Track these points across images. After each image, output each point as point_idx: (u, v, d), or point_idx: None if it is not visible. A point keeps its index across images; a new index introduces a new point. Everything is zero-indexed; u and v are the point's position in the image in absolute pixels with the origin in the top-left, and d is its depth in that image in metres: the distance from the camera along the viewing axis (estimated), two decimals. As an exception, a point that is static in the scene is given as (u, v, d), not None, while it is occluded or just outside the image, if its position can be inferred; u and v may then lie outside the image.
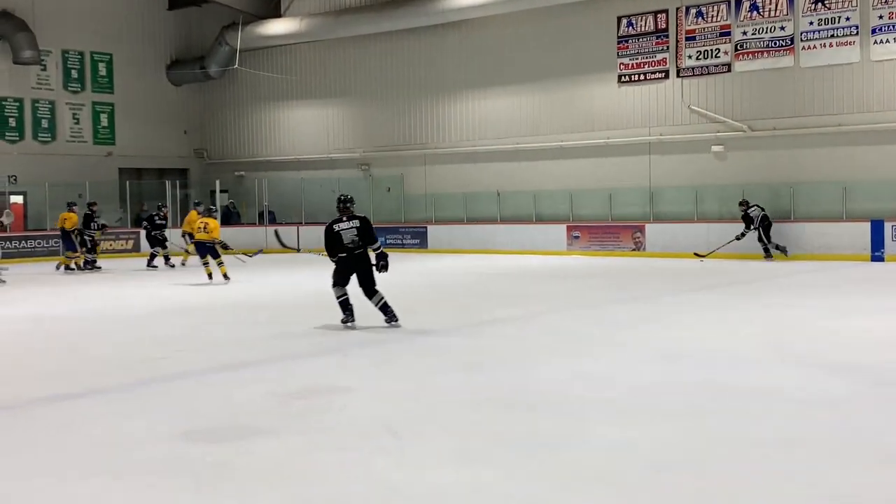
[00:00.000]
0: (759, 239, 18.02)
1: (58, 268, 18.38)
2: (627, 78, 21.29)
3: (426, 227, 23.70)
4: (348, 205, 9.34)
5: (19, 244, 22.13)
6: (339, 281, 9.37)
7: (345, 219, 9.31)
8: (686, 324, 9.67)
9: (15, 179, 24.38)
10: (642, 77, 21.07)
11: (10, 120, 25.07)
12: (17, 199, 24.86)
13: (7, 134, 24.99)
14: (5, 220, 21.36)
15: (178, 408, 6.11)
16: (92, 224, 18.56)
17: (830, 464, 4.56)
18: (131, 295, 14.04)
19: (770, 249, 17.97)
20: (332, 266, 9.50)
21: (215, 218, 16.11)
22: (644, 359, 7.59)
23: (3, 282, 15.73)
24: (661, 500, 4.10)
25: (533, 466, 4.61)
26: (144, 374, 7.39)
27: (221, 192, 25.95)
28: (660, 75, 20.82)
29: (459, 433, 5.32)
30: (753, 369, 7.09)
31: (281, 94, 27.43)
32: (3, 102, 24.89)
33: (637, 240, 20.11)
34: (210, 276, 15.20)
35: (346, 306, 9.39)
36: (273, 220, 25.96)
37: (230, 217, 25.71)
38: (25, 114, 25.38)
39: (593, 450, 4.90)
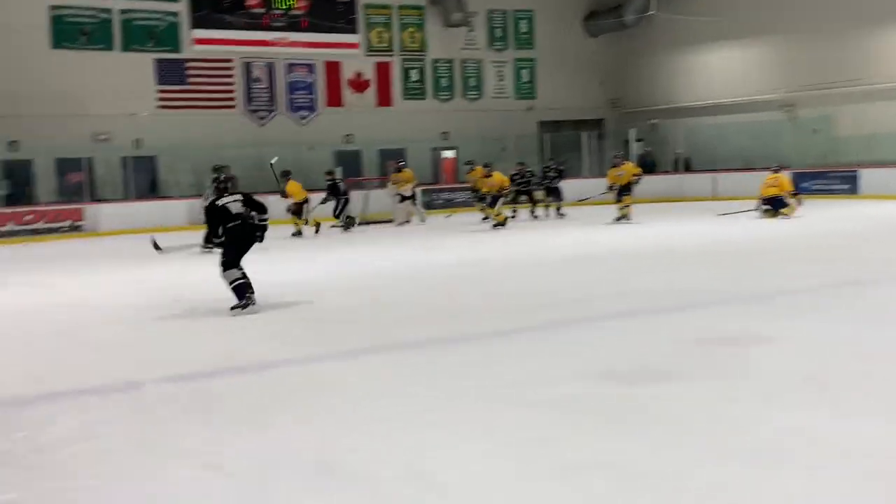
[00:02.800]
0: None
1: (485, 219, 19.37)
2: None
3: (856, 171, 21.73)
4: (227, 184, 8.71)
5: (453, 195, 24.03)
6: (233, 259, 8.39)
7: (225, 195, 8.60)
8: None
9: (447, 135, 26.49)
10: None
11: (443, 80, 27.25)
12: (449, 154, 27.05)
13: (440, 93, 27.21)
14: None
15: (594, 349, 6.28)
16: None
17: None
18: (554, 240, 14.66)
19: None
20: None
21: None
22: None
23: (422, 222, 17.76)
24: None
25: None
26: (566, 314, 7.72)
27: (637, 140, 26.02)
28: None
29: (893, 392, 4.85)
30: None
31: (697, 38, 26.63)
32: (437, 64, 27.09)
33: None
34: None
35: (245, 288, 8.35)
36: (687, 168, 25.48)
37: (645, 166, 25.71)
38: (455, 74, 27.40)
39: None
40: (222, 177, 9.06)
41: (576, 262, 11.64)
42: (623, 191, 17.19)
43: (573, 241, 14.49)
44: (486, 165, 18.11)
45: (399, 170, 20.20)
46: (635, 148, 25.40)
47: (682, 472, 3.79)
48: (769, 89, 24.70)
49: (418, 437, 4.44)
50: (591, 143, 26.79)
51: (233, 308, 8.22)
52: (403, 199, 19.91)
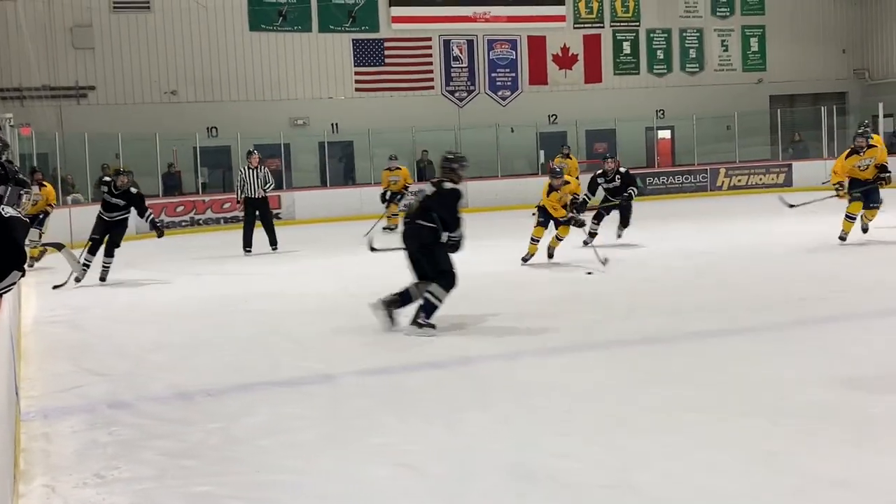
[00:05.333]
0: None
1: None
2: None
3: None
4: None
5: (667, 180, 23.47)
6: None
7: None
8: None
9: (663, 114, 25.85)
10: None
11: (659, 52, 26.60)
12: (665, 134, 26.40)
13: (655, 67, 26.58)
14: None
15: (833, 351, 5.94)
16: None
17: None
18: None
19: None
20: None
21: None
22: None
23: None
24: None
25: None
26: (799, 314, 7.36)
27: (886, 116, 24.38)
28: None
29: None
30: None
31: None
32: (652, 34, 26.48)
33: None
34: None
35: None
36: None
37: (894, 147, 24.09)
38: (672, 45, 26.69)
39: None
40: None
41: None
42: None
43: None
44: (392, 158, 17.95)
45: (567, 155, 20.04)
46: (882, 125, 23.80)
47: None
48: None
49: (633, 444, 4.33)
50: (831, 119, 25.35)
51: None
52: None
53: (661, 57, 26.62)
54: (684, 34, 26.71)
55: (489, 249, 13.01)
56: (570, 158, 19.88)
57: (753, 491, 3.68)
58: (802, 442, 4.23)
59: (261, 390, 5.82)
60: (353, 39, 24.07)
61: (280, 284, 10.92)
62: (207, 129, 22.18)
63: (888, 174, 11.02)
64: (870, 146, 10.95)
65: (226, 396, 5.71)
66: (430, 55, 24.79)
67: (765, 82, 27.05)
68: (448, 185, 7.53)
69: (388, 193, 17.54)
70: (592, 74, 26.00)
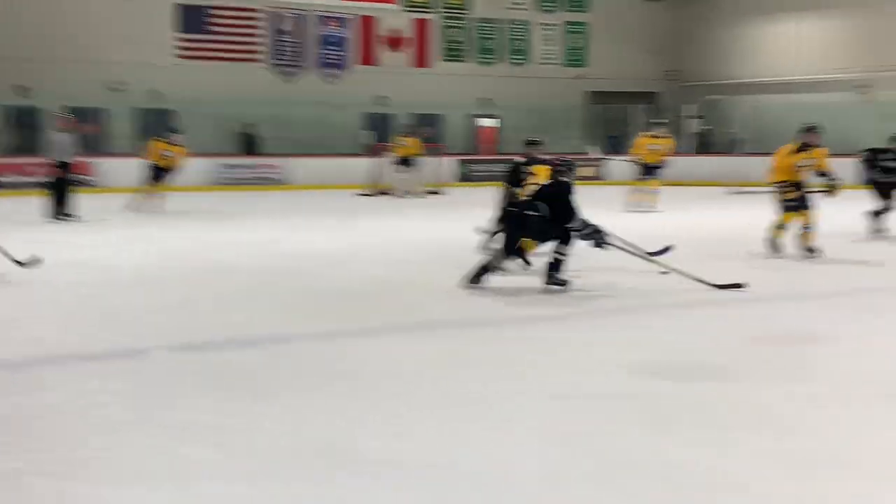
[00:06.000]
0: None
1: None
2: None
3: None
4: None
5: (491, 167, 23.89)
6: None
7: None
8: None
9: (488, 102, 26.32)
10: None
11: (486, 42, 27.03)
12: (489, 122, 26.92)
13: (483, 56, 26.99)
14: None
15: (637, 337, 6.26)
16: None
17: None
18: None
19: None
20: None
21: None
22: None
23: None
24: None
25: None
26: (607, 301, 7.69)
27: (697, 117, 25.69)
28: None
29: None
30: None
31: (764, 7, 26.27)
32: (480, 24, 26.86)
33: None
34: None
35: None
36: (742, 150, 25.08)
37: (703, 146, 25.45)
38: (500, 35, 27.13)
39: None
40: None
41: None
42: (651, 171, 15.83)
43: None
44: (172, 131, 16.62)
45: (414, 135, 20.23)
46: (692, 126, 25.09)
47: (731, 477, 3.76)
48: (841, 67, 24.30)
49: (450, 426, 4.42)
50: (641, 117, 26.46)
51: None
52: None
53: (489, 46, 27.10)
54: (511, 26, 27.26)
55: (312, 229, 12.92)
56: (412, 137, 19.95)
57: (555, 470, 3.83)
58: (603, 425, 4.42)
59: (69, 365, 5.60)
60: (174, 4, 23.29)
61: (87, 254, 10.42)
62: (14, 87, 20.99)
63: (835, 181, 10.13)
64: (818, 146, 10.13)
65: (31, 371, 5.46)
66: (257, 27, 24.30)
67: (584, 78, 27.97)
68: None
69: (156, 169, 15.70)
70: (421, 58, 26.20)
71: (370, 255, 10.47)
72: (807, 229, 9.76)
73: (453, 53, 26.62)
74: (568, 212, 7.92)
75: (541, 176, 8.22)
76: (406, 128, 20.56)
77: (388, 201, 18.34)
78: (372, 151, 22.38)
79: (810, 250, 9.71)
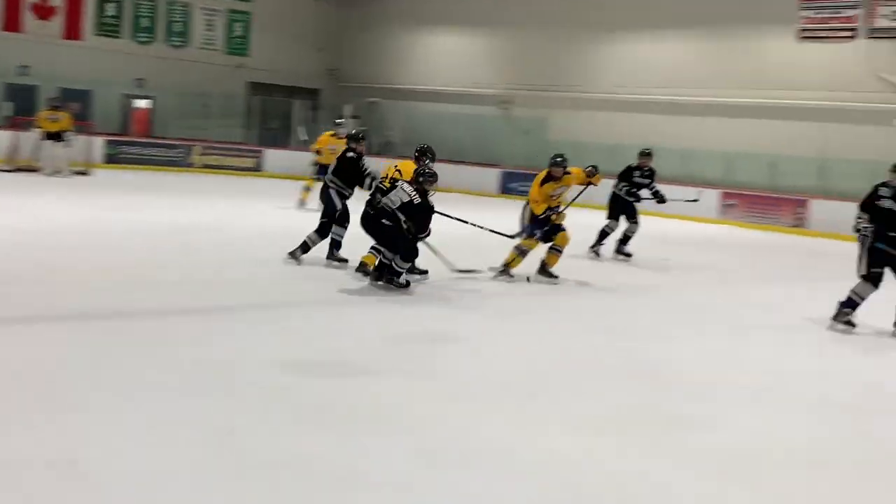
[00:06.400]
0: None
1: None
2: (809, 34, 20.50)
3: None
4: None
5: (142, 150, 23.10)
6: None
7: None
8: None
9: (142, 82, 25.39)
10: (826, 34, 20.25)
11: (143, 20, 26.03)
12: (143, 104, 25.95)
13: (139, 34, 25.99)
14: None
15: (287, 336, 6.43)
16: None
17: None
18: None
19: None
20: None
21: None
22: (791, 347, 7.49)
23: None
24: (787, 494, 4.12)
25: (648, 443, 4.69)
26: (257, 296, 7.79)
27: (353, 117, 26.36)
28: (846, 34, 19.96)
29: (578, 399, 5.41)
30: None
31: (425, 18, 27.53)
32: (138, 2, 25.84)
33: (799, 215, 19.49)
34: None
35: None
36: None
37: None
38: (159, 14, 26.26)
39: (718, 432, 4.93)
40: None
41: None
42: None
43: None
44: None
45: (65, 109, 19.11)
46: (350, 125, 25.65)
47: (371, 469, 4.02)
48: (489, 83, 26.06)
49: (70, 421, 4.34)
50: (304, 113, 26.82)
51: None
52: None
53: (146, 25, 26.08)
54: (171, 6, 26.43)
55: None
56: (62, 111, 18.67)
57: (202, 467, 3.90)
58: (258, 421, 4.54)
59: None
60: None
61: None
62: None
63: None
64: (566, 173, 10.05)
65: None
66: None
67: (245, 68, 27.77)
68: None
69: None
70: (72, 30, 24.67)
71: (10, 238, 9.83)
72: (555, 251, 9.77)
73: (107, 28, 25.36)
74: None
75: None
76: (54, 101, 19.28)
77: (28, 178, 17.18)
78: (11, 124, 20.88)
79: (551, 274, 9.77)
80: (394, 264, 8.37)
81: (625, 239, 12.30)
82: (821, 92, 20.21)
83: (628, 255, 12.19)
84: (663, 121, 22.52)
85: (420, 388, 5.37)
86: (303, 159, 19.94)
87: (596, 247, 12.21)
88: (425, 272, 9.14)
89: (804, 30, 20.56)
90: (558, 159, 9.91)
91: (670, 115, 22.47)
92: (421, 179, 8.45)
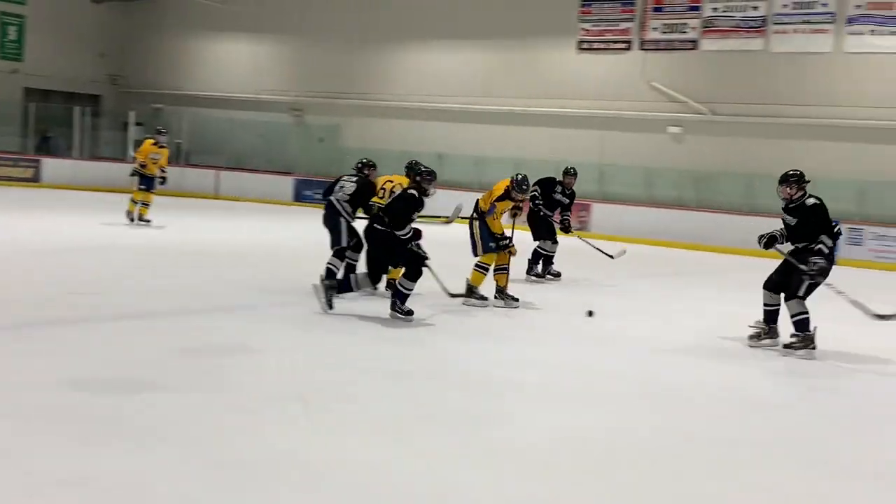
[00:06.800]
0: None
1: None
2: (587, 45, 21.52)
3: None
4: None
5: None
6: None
7: None
8: (628, 312, 9.88)
9: None
10: (603, 46, 21.33)
11: None
12: None
13: None
14: None
15: (76, 352, 6.15)
16: None
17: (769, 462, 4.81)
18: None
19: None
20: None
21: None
22: (577, 345, 7.82)
23: None
24: (585, 487, 4.30)
25: (453, 445, 4.79)
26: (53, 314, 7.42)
27: (137, 124, 25.44)
28: (622, 45, 21.09)
29: (376, 406, 5.45)
30: (687, 362, 7.35)
31: (211, 24, 26.96)
32: None
33: (582, 219, 20.36)
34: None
35: None
36: (187, 161, 25.41)
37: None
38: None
39: (519, 430, 5.09)
40: None
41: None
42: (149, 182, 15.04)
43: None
44: None
45: None
46: (133, 132, 24.76)
47: (156, 482, 3.91)
48: (278, 90, 25.83)
49: None
50: (84, 120, 25.61)
51: None
52: None
53: None
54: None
55: None
56: None
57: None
58: (33, 442, 4.33)
59: None
60: None
61: None
62: None
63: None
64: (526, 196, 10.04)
65: None
66: None
67: (20, 73, 26.28)
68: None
69: None
70: None
71: None
72: (502, 270, 9.65)
73: None
74: None
75: None
76: None
77: None
78: None
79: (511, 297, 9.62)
80: (398, 286, 8.25)
81: (547, 259, 11.86)
82: (599, 101, 21.28)
83: (557, 274, 11.88)
84: (455, 128, 23.06)
85: (207, 402, 5.26)
86: (81, 170, 19.15)
87: (534, 271, 11.76)
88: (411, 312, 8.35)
89: (583, 41, 21.58)
90: (524, 186, 9.71)
91: (461, 122, 23.03)
92: (418, 178, 8.46)
